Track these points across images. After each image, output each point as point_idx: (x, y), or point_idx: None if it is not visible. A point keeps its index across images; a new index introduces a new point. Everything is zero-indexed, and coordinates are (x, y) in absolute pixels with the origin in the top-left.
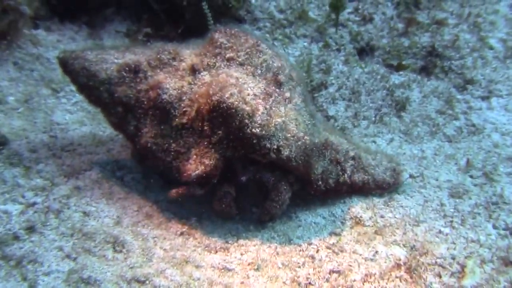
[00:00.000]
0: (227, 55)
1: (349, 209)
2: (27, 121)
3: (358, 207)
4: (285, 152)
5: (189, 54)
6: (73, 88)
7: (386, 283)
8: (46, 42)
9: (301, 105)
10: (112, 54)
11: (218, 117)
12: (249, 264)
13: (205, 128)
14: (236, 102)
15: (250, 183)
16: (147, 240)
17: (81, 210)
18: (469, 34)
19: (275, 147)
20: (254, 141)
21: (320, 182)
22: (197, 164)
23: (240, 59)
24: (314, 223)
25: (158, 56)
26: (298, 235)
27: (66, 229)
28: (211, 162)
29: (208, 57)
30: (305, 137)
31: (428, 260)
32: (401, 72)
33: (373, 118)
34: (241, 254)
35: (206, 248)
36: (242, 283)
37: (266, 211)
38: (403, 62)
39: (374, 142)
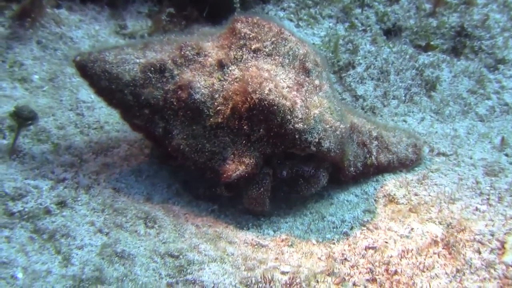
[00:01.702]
0: (253, 46)
1: (381, 187)
2: (52, 99)
3: (391, 185)
4: (326, 144)
5: (211, 46)
6: None
7: (424, 259)
8: (69, 22)
9: (329, 91)
10: (132, 54)
11: (258, 115)
12: (282, 241)
13: (244, 126)
14: (277, 99)
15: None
16: (179, 216)
17: (111, 186)
18: (499, 14)
19: (316, 140)
20: (296, 136)
21: (351, 168)
22: (236, 164)
23: (266, 50)
24: (347, 201)
25: (182, 52)
26: (331, 213)
27: (97, 205)
28: (251, 161)
29: (233, 49)
30: (341, 126)
31: (466, 236)
32: (429, 53)
33: (403, 98)
34: (274, 231)
35: (238, 225)
36: (276, 259)
37: (300, 189)
38: (432, 43)
39: (405, 121)
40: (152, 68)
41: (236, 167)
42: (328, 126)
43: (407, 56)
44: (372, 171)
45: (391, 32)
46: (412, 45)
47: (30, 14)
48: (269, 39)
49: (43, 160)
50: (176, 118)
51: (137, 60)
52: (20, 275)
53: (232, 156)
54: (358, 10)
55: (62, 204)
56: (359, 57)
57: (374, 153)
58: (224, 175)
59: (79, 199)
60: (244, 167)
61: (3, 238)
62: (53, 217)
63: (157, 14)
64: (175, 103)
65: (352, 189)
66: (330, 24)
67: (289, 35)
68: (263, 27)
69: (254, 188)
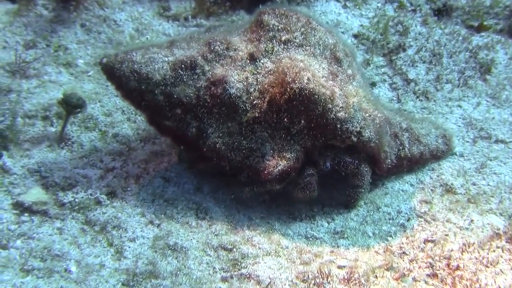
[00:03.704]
0: (283, 38)
1: (438, 176)
2: (98, 84)
3: (448, 174)
4: (366, 134)
5: (239, 41)
6: None
7: (487, 253)
8: (112, 4)
9: (361, 80)
10: (159, 52)
11: (298, 105)
12: (337, 233)
13: (283, 119)
14: (317, 88)
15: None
16: (230, 207)
17: (161, 175)
18: None
19: (358, 129)
20: (338, 126)
21: (388, 160)
22: (276, 159)
23: (297, 40)
24: (402, 190)
25: (211, 48)
26: (386, 203)
27: (147, 195)
28: (292, 155)
29: (263, 42)
30: (379, 115)
31: None
32: (482, 33)
33: (457, 82)
34: (328, 223)
35: (291, 216)
36: (332, 252)
37: (352, 199)
38: (485, 23)
39: (460, 106)
40: (183, 65)
41: (276, 163)
42: (367, 115)
43: (460, 38)
44: (405, 164)
45: (442, 12)
46: (464, 25)
47: None
48: (298, 30)
49: (92, 148)
50: (210, 115)
51: (166, 59)
52: (73, 268)
53: (272, 151)
54: None
55: (112, 194)
56: (410, 39)
57: (407, 145)
58: (265, 172)
59: (129, 189)
60: (285, 162)
61: (55, 230)
62: (104, 208)
63: None
64: (208, 100)
65: (407, 178)
66: (379, 5)
67: (317, 25)
68: (291, 18)
69: (300, 192)
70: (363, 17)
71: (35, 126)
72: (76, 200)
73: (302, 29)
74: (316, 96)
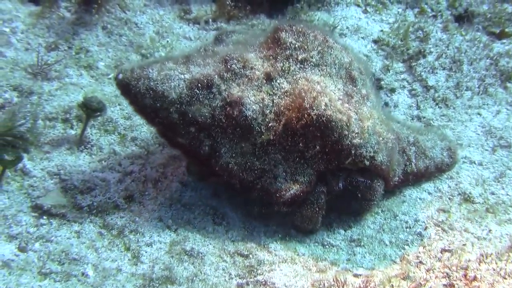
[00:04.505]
0: (300, 57)
1: (456, 184)
2: None
3: (467, 182)
4: (379, 158)
5: (255, 58)
6: (162, 54)
7: (505, 265)
8: (134, 6)
9: (375, 100)
10: (175, 69)
11: (314, 131)
12: (353, 241)
13: (298, 143)
14: (334, 114)
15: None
16: (247, 213)
17: (178, 180)
18: None
19: (371, 154)
20: (352, 151)
21: (396, 178)
22: (289, 182)
23: (313, 60)
24: (420, 198)
25: (228, 66)
26: (404, 211)
27: (165, 199)
28: (305, 179)
29: (280, 60)
30: (391, 137)
31: None
32: (504, 40)
33: (477, 89)
34: (345, 230)
35: None
36: (348, 260)
37: (364, 209)
38: (506, 30)
39: (479, 114)
40: (199, 84)
41: (289, 186)
42: (380, 138)
43: (481, 45)
44: (411, 178)
45: (463, 18)
46: (485, 32)
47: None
48: (315, 49)
49: (110, 152)
50: (225, 135)
51: (182, 76)
52: (91, 272)
53: (284, 174)
54: None
55: (130, 198)
56: (430, 45)
57: (413, 160)
58: (277, 195)
59: (146, 193)
60: (298, 186)
61: (73, 233)
62: (122, 212)
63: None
64: (224, 120)
65: (425, 186)
66: (399, 10)
67: (334, 43)
68: (308, 36)
69: (308, 207)
70: (383, 22)
71: (55, 128)
72: (94, 203)
73: (319, 48)
74: (333, 123)
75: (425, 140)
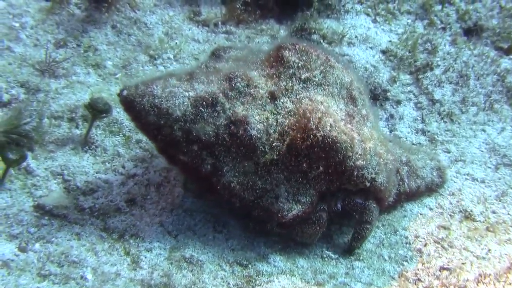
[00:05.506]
0: (303, 76)
1: (458, 201)
2: None
3: (468, 200)
4: (379, 179)
5: (258, 76)
6: (171, 56)
7: (503, 286)
8: (144, 6)
9: (373, 120)
10: (179, 86)
11: (319, 152)
12: (353, 254)
13: (302, 164)
14: (339, 135)
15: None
16: (248, 222)
17: (181, 185)
18: None
19: (373, 175)
20: (354, 173)
21: (390, 198)
22: (291, 203)
23: (316, 79)
24: (421, 214)
25: (232, 84)
26: (404, 226)
27: (166, 204)
28: (307, 200)
29: (283, 79)
30: (391, 158)
31: None
32: (511, 56)
33: (483, 105)
34: (344, 243)
35: None
36: (347, 273)
37: (359, 236)
38: None
39: (484, 130)
40: (204, 102)
41: (291, 206)
42: (381, 160)
43: (489, 60)
44: (403, 198)
45: (472, 32)
46: (493, 47)
47: None
48: (317, 68)
49: (115, 153)
50: (227, 154)
51: (187, 93)
52: (89, 276)
53: (286, 194)
54: (438, 7)
55: (132, 201)
56: (438, 58)
57: (406, 180)
58: (279, 215)
59: (149, 197)
60: (300, 207)
61: (73, 235)
62: (123, 215)
63: (232, 2)
64: (227, 139)
65: (427, 201)
66: (409, 21)
67: (335, 62)
68: (311, 55)
69: (310, 226)
70: (392, 32)
71: (60, 127)
72: (96, 205)
73: (321, 68)
74: (338, 144)
75: (416, 159)
